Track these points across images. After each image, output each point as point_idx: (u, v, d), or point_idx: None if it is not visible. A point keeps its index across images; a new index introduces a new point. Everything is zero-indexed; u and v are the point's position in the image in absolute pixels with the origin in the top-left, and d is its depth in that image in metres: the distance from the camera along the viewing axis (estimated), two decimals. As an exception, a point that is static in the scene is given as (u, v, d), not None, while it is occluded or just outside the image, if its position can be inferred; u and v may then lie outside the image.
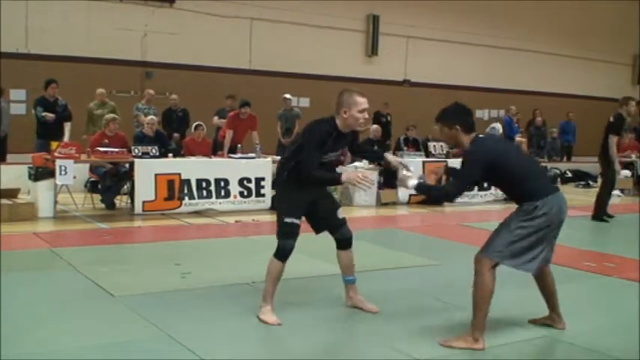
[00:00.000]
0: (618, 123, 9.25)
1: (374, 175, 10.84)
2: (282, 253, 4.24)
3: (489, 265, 3.89)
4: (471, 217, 9.95)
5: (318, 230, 4.56)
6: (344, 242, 4.53)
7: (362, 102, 4.18)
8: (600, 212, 9.54)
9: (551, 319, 4.35)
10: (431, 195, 4.59)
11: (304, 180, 4.17)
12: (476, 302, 3.91)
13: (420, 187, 4.10)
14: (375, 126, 12.20)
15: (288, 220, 4.22)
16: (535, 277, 4.24)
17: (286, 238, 4.22)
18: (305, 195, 4.32)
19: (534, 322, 4.46)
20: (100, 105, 11.31)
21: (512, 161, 3.95)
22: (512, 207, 4.03)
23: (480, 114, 17.87)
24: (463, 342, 3.92)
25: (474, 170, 3.88)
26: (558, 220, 3.94)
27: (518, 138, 14.51)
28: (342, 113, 4.17)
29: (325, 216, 4.48)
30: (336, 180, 4.26)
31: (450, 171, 4.69)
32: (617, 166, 9.36)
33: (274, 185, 10.35)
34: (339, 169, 11.81)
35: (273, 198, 9.97)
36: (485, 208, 11.04)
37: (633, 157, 14.18)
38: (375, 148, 10.32)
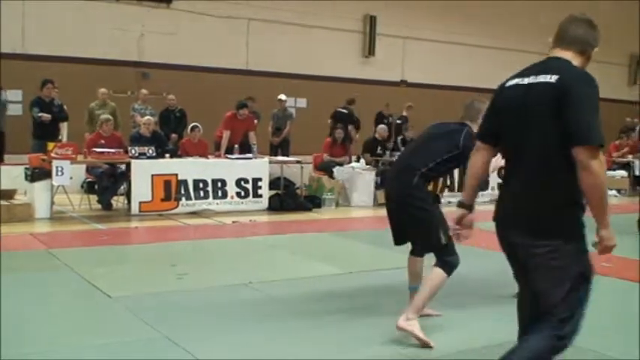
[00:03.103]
0: None
1: (372, 175, 10.83)
2: (454, 269, 4.11)
3: None
4: (469, 217, 9.90)
5: (404, 240, 4.41)
6: (422, 250, 4.45)
7: None
8: None
9: None
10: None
11: None
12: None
13: None
14: (382, 126, 12.49)
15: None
16: None
17: (455, 253, 4.11)
18: None
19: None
20: (101, 105, 11.25)
21: None
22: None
23: (478, 114, 17.89)
24: None
25: None
26: None
27: None
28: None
29: None
30: None
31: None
32: None
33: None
34: (335, 170, 11.66)
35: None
36: (484, 208, 10.99)
37: (630, 157, 14.20)
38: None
